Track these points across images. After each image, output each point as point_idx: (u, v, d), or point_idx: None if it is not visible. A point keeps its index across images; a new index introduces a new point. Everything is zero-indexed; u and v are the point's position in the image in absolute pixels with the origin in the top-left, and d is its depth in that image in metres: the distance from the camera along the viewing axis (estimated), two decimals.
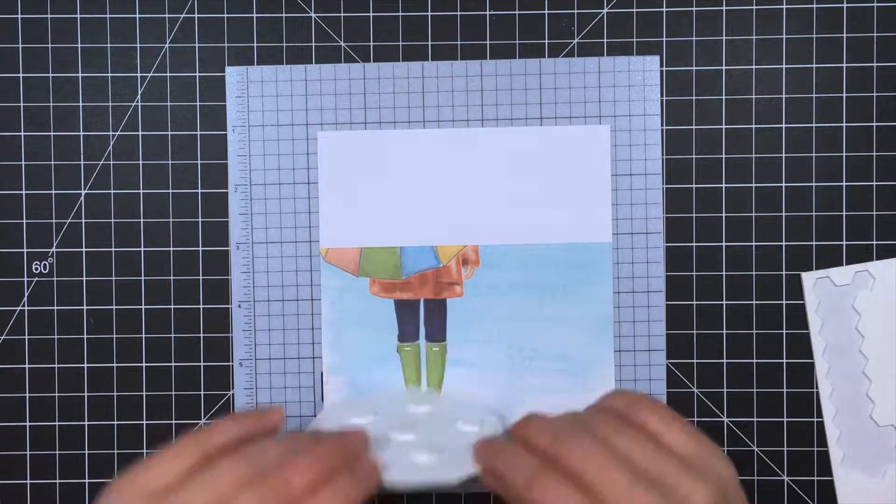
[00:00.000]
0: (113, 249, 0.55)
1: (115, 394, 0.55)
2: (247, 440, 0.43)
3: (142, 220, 0.55)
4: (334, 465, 0.42)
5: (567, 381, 0.54)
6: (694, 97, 0.54)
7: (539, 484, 0.40)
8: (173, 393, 0.55)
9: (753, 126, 0.54)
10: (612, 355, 0.54)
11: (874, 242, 0.54)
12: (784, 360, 0.54)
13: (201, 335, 0.55)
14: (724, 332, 0.54)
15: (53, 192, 0.55)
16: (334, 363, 0.55)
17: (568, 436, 0.41)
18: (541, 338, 0.54)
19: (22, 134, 0.55)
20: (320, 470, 0.41)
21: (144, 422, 0.55)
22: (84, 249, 0.55)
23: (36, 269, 0.55)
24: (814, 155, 0.54)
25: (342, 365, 0.54)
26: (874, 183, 0.54)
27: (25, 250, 0.55)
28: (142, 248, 0.55)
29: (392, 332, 0.55)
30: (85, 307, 0.55)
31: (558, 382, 0.54)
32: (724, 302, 0.54)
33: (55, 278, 0.55)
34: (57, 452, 0.55)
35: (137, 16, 0.54)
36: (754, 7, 0.54)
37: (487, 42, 0.54)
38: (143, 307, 0.54)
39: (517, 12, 0.54)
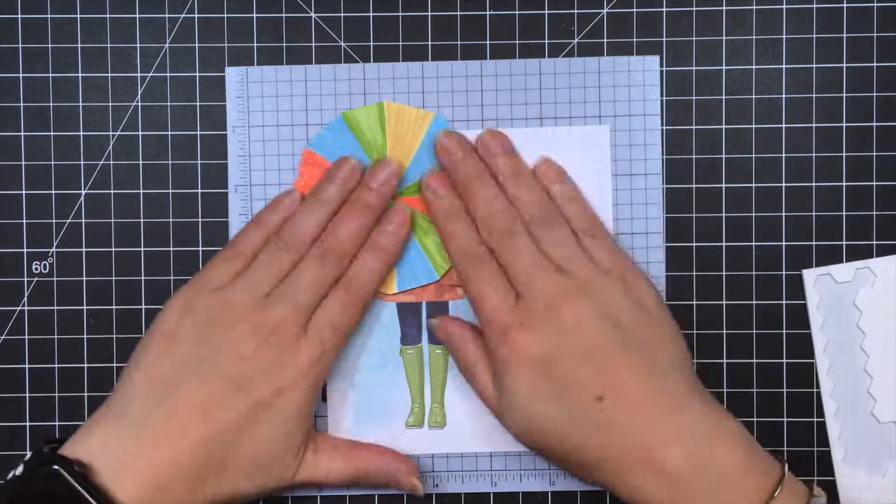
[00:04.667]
0: (113, 249, 0.54)
1: None
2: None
3: (142, 220, 0.55)
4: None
5: None
6: (694, 97, 0.54)
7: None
8: None
9: (753, 126, 0.54)
10: None
11: (874, 242, 0.54)
12: (784, 361, 0.54)
13: None
14: (724, 332, 0.54)
15: (53, 192, 0.55)
16: (335, 365, 0.54)
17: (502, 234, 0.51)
18: None
19: (22, 134, 0.54)
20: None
21: None
22: (84, 249, 0.54)
23: (36, 269, 0.54)
24: (814, 155, 0.54)
25: (344, 367, 0.54)
26: (874, 183, 0.54)
27: (25, 250, 0.54)
28: (142, 249, 0.55)
29: (394, 335, 0.54)
30: (85, 307, 0.54)
31: None
32: (724, 302, 0.54)
33: (55, 278, 0.54)
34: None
35: (137, 16, 0.54)
36: (754, 7, 0.54)
37: (487, 42, 0.54)
38: (143, 307, 0.54)
39: (517, 12, 0.54)
